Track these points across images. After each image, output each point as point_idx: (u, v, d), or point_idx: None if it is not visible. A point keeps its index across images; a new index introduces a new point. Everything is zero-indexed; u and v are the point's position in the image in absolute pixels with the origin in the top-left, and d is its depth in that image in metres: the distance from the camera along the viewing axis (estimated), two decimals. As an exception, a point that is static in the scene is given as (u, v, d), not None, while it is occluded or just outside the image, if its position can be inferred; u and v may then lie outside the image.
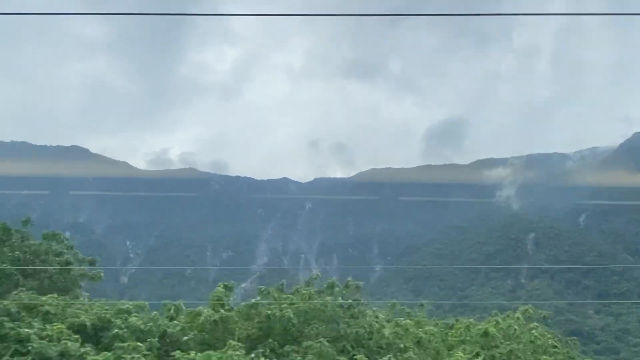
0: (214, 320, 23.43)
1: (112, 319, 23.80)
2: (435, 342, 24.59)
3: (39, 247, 32.94)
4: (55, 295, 26.01)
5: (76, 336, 21.68)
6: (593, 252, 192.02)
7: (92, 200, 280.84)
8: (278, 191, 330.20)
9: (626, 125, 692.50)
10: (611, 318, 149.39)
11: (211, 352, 20.29)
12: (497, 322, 25.41)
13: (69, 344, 20.99)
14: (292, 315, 22.85)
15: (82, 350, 20.78)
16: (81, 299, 28.06)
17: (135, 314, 24.08)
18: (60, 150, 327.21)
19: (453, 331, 26.52)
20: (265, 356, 20.84)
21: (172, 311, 24.87)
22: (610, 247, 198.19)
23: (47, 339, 21.46)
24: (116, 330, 22.55)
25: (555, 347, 25.06)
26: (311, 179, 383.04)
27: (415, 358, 22.05)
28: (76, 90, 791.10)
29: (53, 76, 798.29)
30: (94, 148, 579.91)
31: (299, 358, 21.35)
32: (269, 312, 23.02)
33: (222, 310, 23.92)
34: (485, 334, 24.40)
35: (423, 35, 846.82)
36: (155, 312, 24.79)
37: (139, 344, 20.76)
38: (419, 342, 23.98)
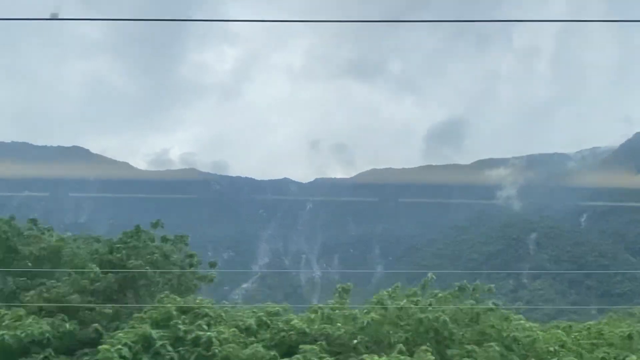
0: (376, 324, 23.13)
1: (269, 322, 23.78)
2: (577, 347, 23.87)
3: (166, 248, 32.98)
4: (202, 298, 26.13)
5: (251, 339, 21.55)
6: (594, 252, 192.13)
7: (93, 201, 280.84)
8: (279, 191, 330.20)
9: (627, 125, 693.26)
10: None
11: (382, 357, 20.12)
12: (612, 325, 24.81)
13: (259, 348, 20.85)
14: (447, 319, 22.59)
15: (272, 353, 20.59)
16: (201, 299, 28.03)
17: (292, 316, 24.05)
18: (61, 151, 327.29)
19: (576, 334, 25.83)
20: None
21: (318, 313, 24.60)
22: (612, 247, 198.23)
23: (224, 342, 21.27)
24: (283, 333, 22.47)
25: None
26: (312, 179, 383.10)
27: None
28: (77, 91, 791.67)
29: (53, 76, 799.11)
30: (94, 148, 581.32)
31: None
32: (422, 315, 22.75)
33: (372, 314, 23.69)
34: (630, 337, 23.56)
35: (423, 36, 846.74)
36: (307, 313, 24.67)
37: (314, 347, 20.64)
38: (563, 346, 23.42)
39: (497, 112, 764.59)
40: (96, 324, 25.35)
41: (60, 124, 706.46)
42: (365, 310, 24.52)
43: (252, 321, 23.67)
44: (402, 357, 19.97)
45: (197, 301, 25.74)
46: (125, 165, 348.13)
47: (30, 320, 24.20)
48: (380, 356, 20.00)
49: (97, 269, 28.79)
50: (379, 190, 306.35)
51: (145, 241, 32.31)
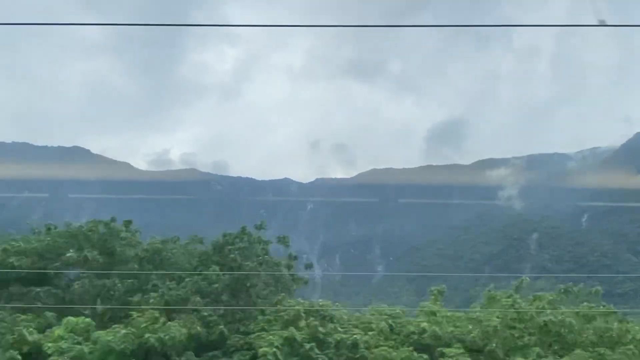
0: (502, 327, 22.93)
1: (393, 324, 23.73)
2: None
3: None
4: (321, 301, 26.14)
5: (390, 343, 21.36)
6: (596, 252, 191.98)
7: (94, 201, 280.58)
8: (279, 191, 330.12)
9: (627, 125, 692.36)
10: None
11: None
12: None
13: (409, 351, 20.66)
14: (573, 322, 22.39)
15: (424, 357, 20.39)
16: (323, 302, 27.96)
17: (422, 319, 24.00)
18: (62, 151, 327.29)
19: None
20: None
21: (437, 315, 24.45)
22: (613, 247, 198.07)
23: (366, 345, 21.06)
24: (414, 336, 22.34)
25: None
26: (312, 179, 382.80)
27: None
28: (77, 91, 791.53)
29: (54, 77, 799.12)
30: (95, 149, 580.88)
31: None
32: (546, 318, 22.54)
33: (495, 317, 23.57)
34: None
35: (423, 36, 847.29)
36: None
37: (456, 350, 20.47)
38: None
39: (497, 112, 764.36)
40: (221, 326, 25.35)
41: (61, 124, 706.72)
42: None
43: (383, 324, 23.33)
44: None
45: (321, 303, 25.71)
46: (126, 165, 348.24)
47: (165, 322, 24.11)
48: None
49: (218, 271, 28.83)
50: (379, 191, 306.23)
51: (250, 242, 32.53)
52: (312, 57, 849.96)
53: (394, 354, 20.74)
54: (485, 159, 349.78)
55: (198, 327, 25.26)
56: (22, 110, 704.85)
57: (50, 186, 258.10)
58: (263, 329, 22.87)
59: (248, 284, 29.85)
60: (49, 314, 26.69)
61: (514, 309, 23.88)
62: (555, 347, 21.13)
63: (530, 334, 22.64)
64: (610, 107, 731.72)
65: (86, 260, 30.86)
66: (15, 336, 23.70)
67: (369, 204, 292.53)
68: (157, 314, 25.25)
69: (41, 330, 25.22)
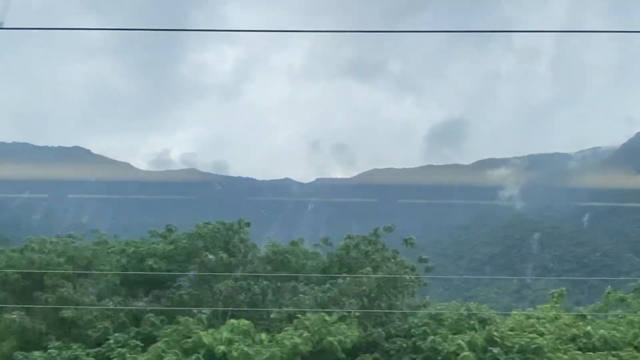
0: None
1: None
2: None
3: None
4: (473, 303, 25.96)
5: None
6: (598, 252, 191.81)
7: (94, 201, 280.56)
8: (280, 191, 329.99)
9: (628, 125, 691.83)
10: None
11: None
12: None
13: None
14: None
15: None
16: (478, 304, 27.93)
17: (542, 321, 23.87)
18: (62, 151, 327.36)
19: None
20: None
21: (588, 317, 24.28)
22: (615, 247, 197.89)
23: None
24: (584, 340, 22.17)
25: None
26: (313, 179, 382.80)
27: None
28: (77, 91, 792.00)
29: (54, 77, 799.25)
30: (95, 149, 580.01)
31: None
32: None
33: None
34: None
35: (423, 35, 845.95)
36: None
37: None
38: None
39: (497, 112, 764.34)
40: (379, 329, 25.29)
41: (61, 125, 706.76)
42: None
43: (548, 326, 22.90)
44: None
45: (474, 305, 25.63)
46: (126, 165, 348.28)
47: (343, 325, 24.00)
48: None
49: (371, 273, 28.91)
50: (379, 191, 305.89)
51: (375, 245, 32.81)
52: (312, 57, 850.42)
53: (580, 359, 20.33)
54: (485, 159, 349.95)
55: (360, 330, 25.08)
56: (23, 110, 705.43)
57: (50, 186, 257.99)
58: (433, 333, 22.46)
59: (393, 286, 29.83)
60: (202, 315, 26.46)
61: None
62: None
63: None
64: (610, 107, 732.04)
65: (221, 262, 30.89)
66: (192, 339, 23.56)
67: (370, 204, 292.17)
68: (327, 317, 25.11)
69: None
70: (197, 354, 22.68)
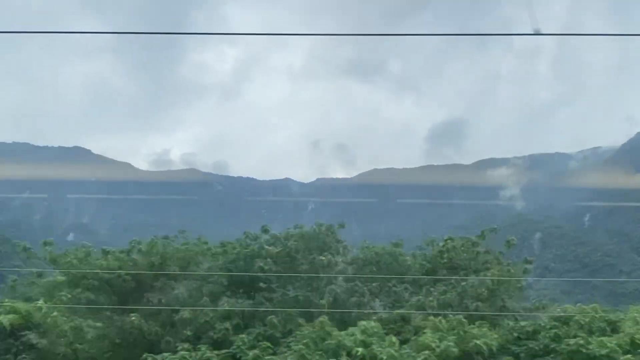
0: None
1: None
2: None
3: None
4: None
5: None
6: (599, 251, 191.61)
7: (95, 201, 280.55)
8: (280, 191, 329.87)
9: (628, 125, 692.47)
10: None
11: None
12: None
13: None
14: None
15: None
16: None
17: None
18: (62, 151, 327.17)
19: None
20: None
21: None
22: (616, 247, 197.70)
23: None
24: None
25: None
26: (313, 179, 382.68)
27: None
28: (78, 91, 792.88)
29: (54, 77, 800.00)
30: (95, 149, 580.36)
31: None
32: None
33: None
34: None
35: (423, 36, 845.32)
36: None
37: None
38: None
39: (497, 112, 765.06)
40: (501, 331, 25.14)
41: (62, 125, 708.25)
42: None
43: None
44: None
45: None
46: (127, 165, 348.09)
47: (484, 328, 23.76)
48: None
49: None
50: (379, 191, 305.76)
51: (477, 245, 32.64)
52: (312, 57, 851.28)
53: None
54: (486, 158, 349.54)
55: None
56: (23, 110, 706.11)
57: (50, 186, 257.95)
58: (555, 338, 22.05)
59: (505, 289, 29.57)
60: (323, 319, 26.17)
61: None
62: None
63: None
64: (611, 107, 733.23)
65: (329, 263, 30.79)
66: (333, 341, 23.18)
67: (370, 204, 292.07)
68: (464, 319, 24.81)
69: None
70: (342, 356, 22.38)
